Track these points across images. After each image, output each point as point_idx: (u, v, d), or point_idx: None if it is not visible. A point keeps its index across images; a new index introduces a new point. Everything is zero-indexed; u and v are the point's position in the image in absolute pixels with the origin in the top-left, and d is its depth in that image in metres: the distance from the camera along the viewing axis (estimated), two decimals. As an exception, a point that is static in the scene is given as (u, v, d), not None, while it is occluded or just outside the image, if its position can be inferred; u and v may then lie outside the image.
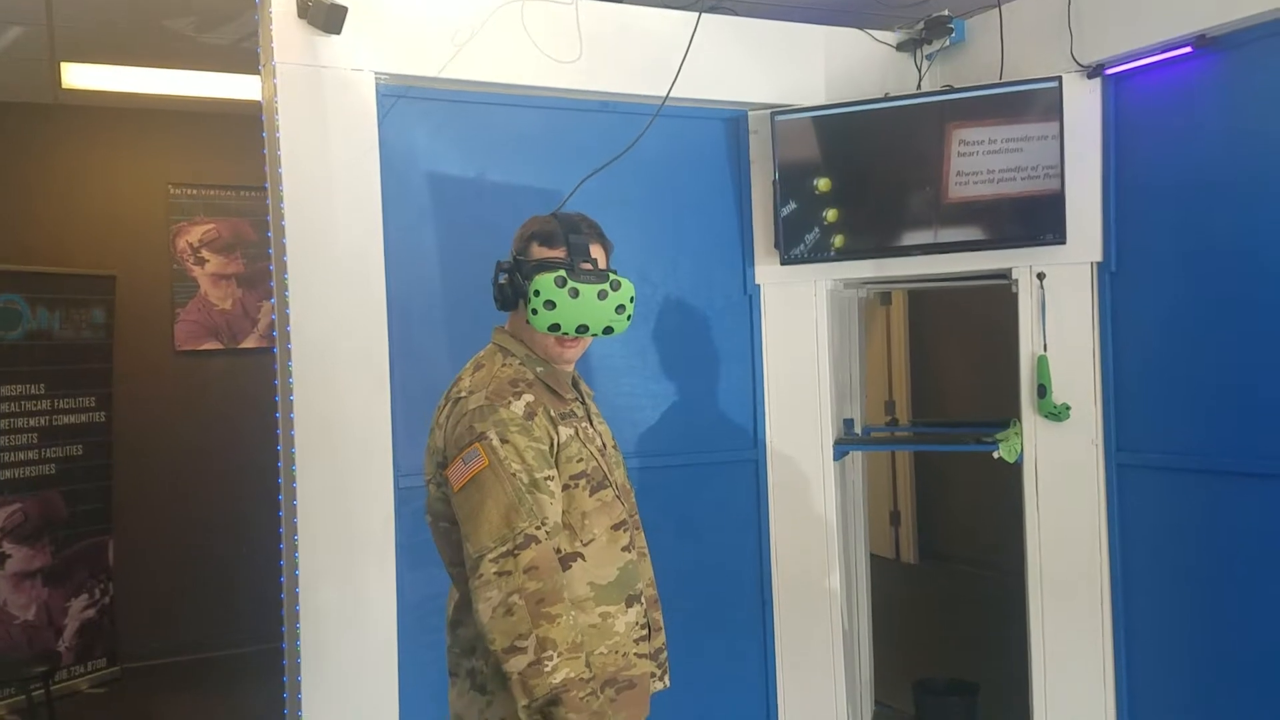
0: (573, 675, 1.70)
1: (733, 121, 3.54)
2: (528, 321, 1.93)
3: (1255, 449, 2.86)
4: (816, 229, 3.40)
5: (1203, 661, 3.01)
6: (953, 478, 7.15)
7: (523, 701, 1.69)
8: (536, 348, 1.98)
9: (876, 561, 4.48)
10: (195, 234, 5.76)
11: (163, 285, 5.69)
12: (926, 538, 7.37)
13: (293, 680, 2.89)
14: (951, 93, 3.28)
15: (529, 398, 1.86)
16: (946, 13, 3.49)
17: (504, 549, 1.72)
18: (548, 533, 1.79)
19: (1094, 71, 3.16)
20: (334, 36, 2.86)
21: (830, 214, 3.39)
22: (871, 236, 3.36)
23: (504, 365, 1.94)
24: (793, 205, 3.41)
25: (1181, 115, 3.02)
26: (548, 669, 1.68)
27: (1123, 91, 3.16)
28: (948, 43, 3.53)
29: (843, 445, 3.65)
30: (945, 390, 7.13)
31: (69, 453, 5.13)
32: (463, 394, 1.88)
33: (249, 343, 5.89)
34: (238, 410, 5.58)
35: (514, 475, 1.76)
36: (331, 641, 2.88)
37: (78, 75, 4.65)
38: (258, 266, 5.83)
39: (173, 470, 5.62)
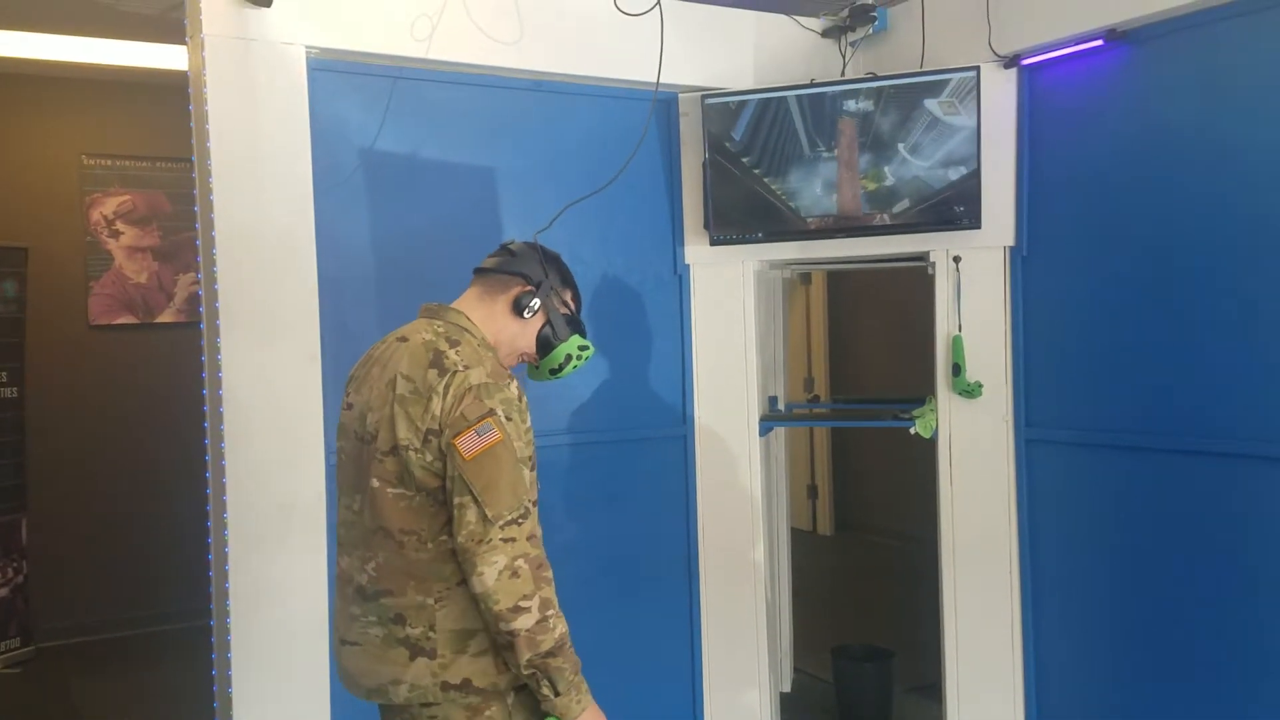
0: (564, 630, 1.87)
1: (663, 104, 3.59)
2: (538, 360, 2.17)
3: (1153, 426, 3.02)
4: (744, 211, 3.48)
5: (1104, 624, 3.18)
6: (866, 454, 7.35)
7: (526, 655, 1.83)
8: (503, 345, 2.11)
9: (795, 534, 4.61)
10: (110, 205, 5.61)
11: (76, 258, 5.54)
12: (842, 511, 7.58)
13: (222, 657, 2.88)
14: (874, 80, 3.38)
15: (516, 382, 1.98)
16: (870, 1, 3.58)
17: (511, 517, 1.85)
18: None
19: (1010, 62, 3.28)
20: (264, 9, 2.84)
21: (758, 196, 3.47)
22: (797, 219, 3.45)
23: (480, 345, 2.03)
24: (722, 187, 3.48)
25: (1092, 106, 3.16)
26: (551, 625, 1.84)
27: (1037, 82, 3.29)
28: (871, 31, 3.63)
29: (768, 421, 3.75)
30: (861, 368, 7.31)
31: (-21, 429, 4.99)
32: (458, 367, 1.93)
33: (165, 317, 5.77)
34: (154, 386, 5.49)
35: (515, 451, 1.89)
36: (262, 618, 2.88)
37: (-13, 40, 4.49)
38: (174, 239, 5.71)
39: (88, 446, 5.49)
